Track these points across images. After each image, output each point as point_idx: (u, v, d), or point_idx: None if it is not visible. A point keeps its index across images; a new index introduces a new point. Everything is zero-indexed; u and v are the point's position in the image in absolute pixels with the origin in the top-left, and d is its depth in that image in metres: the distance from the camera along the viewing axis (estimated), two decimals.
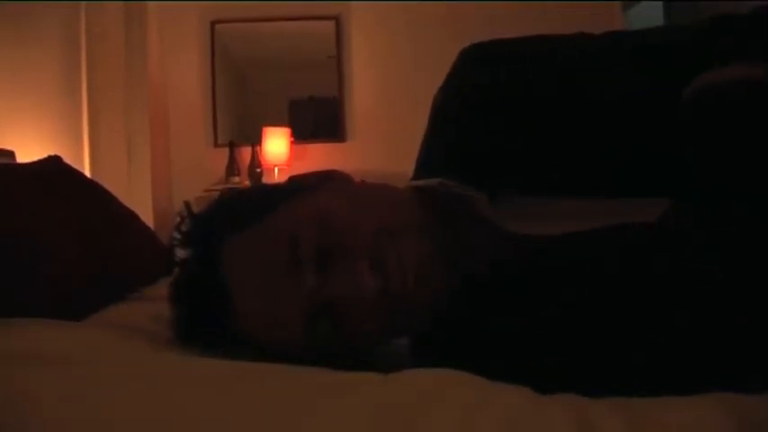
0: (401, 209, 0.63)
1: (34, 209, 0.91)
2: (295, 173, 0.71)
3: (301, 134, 3.46)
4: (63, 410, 0.46)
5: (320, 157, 3.45)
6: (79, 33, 2.74)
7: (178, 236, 0.65)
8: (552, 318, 0.57)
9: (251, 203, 0.64)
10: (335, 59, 3.52)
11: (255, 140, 3.35)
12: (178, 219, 0.66)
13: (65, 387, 0.48)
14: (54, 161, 1.14)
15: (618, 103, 0.62)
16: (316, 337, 0.58)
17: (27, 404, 0.46)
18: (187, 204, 0.68)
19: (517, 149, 0.64)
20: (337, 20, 3.52)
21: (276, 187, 0.69)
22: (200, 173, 3.41)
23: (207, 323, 0.62)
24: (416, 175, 0.73)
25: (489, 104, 0.67)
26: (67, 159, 1.19)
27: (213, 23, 3.50)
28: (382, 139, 3.45)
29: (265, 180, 3.30)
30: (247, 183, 3.31)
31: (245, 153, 3.40)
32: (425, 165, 0.73)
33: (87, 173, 2.61)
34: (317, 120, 3.58)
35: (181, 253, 0.64)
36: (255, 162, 3.34)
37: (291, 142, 3.36)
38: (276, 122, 3.38)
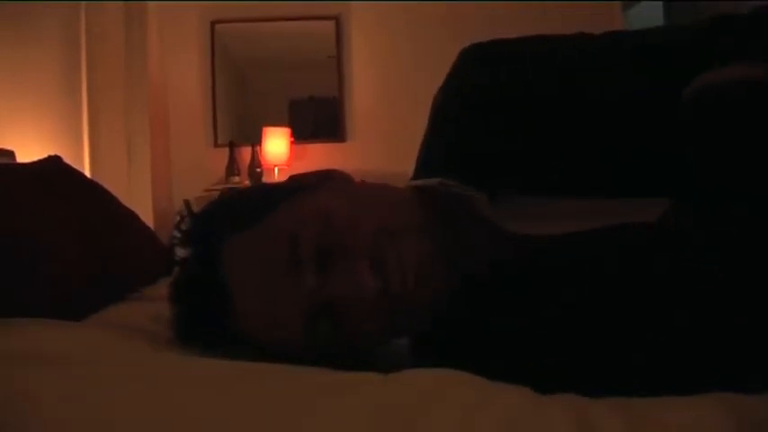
0: (401, 209, 0.63)
1: (34, 209, 0.91)
2: (295, 173, 0.71)
3: (301, 134, 3.46)
4: (63, 410, 0.46)
5: (320, 157, 3.45)
6: (79, 33, 2.74)
7: (178, 235, 0.65)
8: (552, 318, 0.57)
9: (251, 203, 0.64)
10: (335, 59, 3.52)
11: (255, 140, 3.35)
12: (178, 218, 0.66)
13: (65, 387, 0.48)
14: (54, 161, 1.14)
15: (618, 103, 0.62)
16: (316, 337, 0.58)
17: (27, 404, 0.46)
18: (187, 203, 0.68)
19: (517, 149, 0.64)
20: (337, 20, 3.52)
21: (276, 187, 0.69)
22: (200, 173, 3.41)
23: (207, 323, 0.62)
24: (416, 175, 0.73)
25: (489, 104, 0.67)
26: (67, 159, 1.19)
27: (213, 23, 3.50)
28: (382, 139, 3.45)
29: (265, 180, 3.30)
30: (247, 183, 3.32)
31: (245, 153, 3.40)
32: (425, 165, 0.73)
33: (87, 173, 2.61)
34: (317, 120, 3.58)
35: (181, 252, 0.64)
36: (255, 162, 3.34)
37: (291, 142, 3.36)
38: (276, 122, 3.38)
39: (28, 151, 1.77)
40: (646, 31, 0.69)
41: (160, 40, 3.35)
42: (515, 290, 0.60)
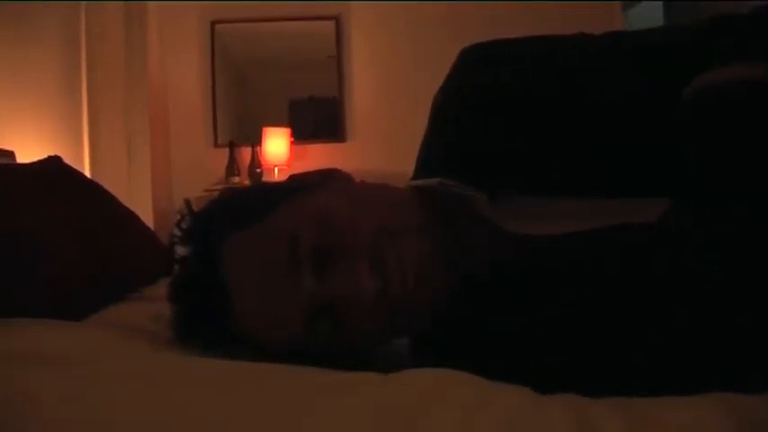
0: (401, 209, 0.63)
1: (34, 209, 0.91)
2: (295, 173, 0.71)
3: (301, 134, 3.46)
4: (63, 410, 0.46)
5: (320, 157, 3.45)
6: (79, 33, 2.74)
7: (178, 233, 0.65)
8: (552, 318, 0.57)
9: (251, 202, 0.64)
10: (335, 59, 3.52)
11: (255, 140, 3.35)
12: (178, 216, 0.66)
13: (65, 387, 0.48)
14: (54, 161, 1.14)
15: (618, 103, 0.62)
16: (316, 337, 0.58)
17: (27, 404, 0.46)
18: (187, 202, 0.68)
19: (517, 149, 0.64)
20: (337, 20, 3.52)
21: (277, 186, 0.69)
22: (200, 173, 3.41)
23: (206, 321, 0.62)
24: (416, 175, 0.73)
25: (489, 104, 0.67)
26: (67, 159, 1.19)
27: (213, 23, 3.49)
28: (382, 139, 3.45)
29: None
30: (247, 183, 3.31)
31: (245, 153, 3.40)
32: (425, 165, 0.73)
33: (87, 173, 2.61)
34: (317, 120, 3.58)
35: (181, 250, 0.64)
36: (255, 162, 3.34)
37: (291, 142, 3.35)
38: (276, 122, 3.38)
39: (28, 151, 1.77)
40: (646, 31, 0.69)
41: (160, 40, 3.35)
42: (515, 290, 0.60)
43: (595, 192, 0.61)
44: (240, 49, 3.56)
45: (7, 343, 0.59)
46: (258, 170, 3.33)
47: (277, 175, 3.26)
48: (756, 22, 0.61)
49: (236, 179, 3.33)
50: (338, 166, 0.70)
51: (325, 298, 0.57)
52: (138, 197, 2.80)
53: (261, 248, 0.59)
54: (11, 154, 1.67)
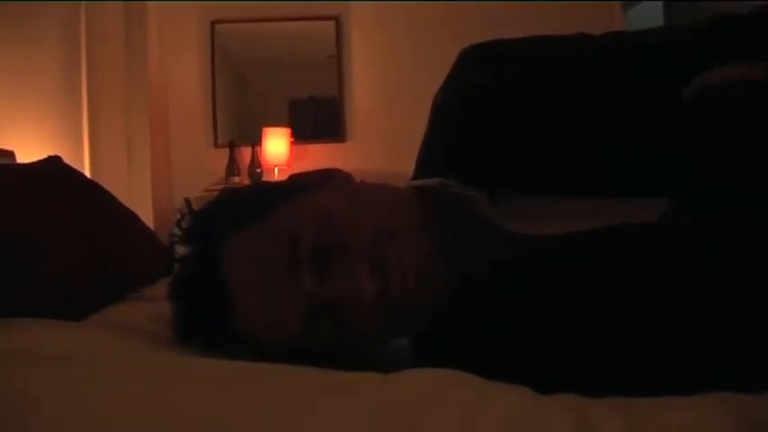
0: (401, 209, 0.63)
1: (34, 209, 0.91)
2: (295, 173, 0.71)
3: (301, 134, 3.45)
4: (63, 410, 0.46)
5: (320, 157, 3.45)
6: (79, 33, 2.74)
7: (178, 232, 0.65)
8: (552, 318, 0.57)
9: (252, 202, 0.64)
10: (335, 59, 3.52)
11: (255, 140, 3.35)
12: (179, 216, 0.66)
13: (65, 387, 0.48)
14: (54, 161, 1.14)
15: (618, 103, 0.62)
16: (316, 337, 0.58)
17: (27, 404, 0.46)
18: (188, 201, 0.68)
19: (517, 149, 0.64)
20: (337, 20, 3.52)
21: (277, 186, 0.69)
22: (200, 173, 3.41)
23: (206, 321, 0.62)
24: (416, 175, 0.72)
25: (489, 104, 0.67)
26: (67, 159, 1.19)
27: (213, 23, 3.49)
28: (382, 139, 3.45)
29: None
30: (247, 183, 3.31)
31: (245, 153, 3.40)
32: (425, 165, 0.73)
33: (87, 173, 2.61)
34: (317, 120, 3.58)
35: (181, 250, 0.64)
36: (255, 162, 3.34)
37: (291, 142, 3.35)
38: (276, 122, 3.38)
39: (28, 151, 1.77)
40: (646, 31, 0.69)
41: (160, 40, 3.35)
42: (515, 290, 0.60)
43: (595, 192, 0.61)
44: (240, 49, 3.56)
45: (7, 343, 0.59)
46: (258, 170, 3.33)
47: (277, 175, 3.26)
48: (756, 22, 0.61)
49: (236, 179, 3.33)
50: (338, 166, 0.70)
51: (325, 298, 0.57)
52: (138, 197, 2.80)
53: (261, 248, 0.59)
54: (11, 154, 1.67)
